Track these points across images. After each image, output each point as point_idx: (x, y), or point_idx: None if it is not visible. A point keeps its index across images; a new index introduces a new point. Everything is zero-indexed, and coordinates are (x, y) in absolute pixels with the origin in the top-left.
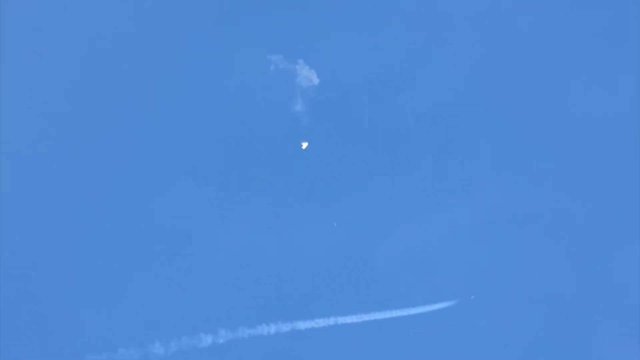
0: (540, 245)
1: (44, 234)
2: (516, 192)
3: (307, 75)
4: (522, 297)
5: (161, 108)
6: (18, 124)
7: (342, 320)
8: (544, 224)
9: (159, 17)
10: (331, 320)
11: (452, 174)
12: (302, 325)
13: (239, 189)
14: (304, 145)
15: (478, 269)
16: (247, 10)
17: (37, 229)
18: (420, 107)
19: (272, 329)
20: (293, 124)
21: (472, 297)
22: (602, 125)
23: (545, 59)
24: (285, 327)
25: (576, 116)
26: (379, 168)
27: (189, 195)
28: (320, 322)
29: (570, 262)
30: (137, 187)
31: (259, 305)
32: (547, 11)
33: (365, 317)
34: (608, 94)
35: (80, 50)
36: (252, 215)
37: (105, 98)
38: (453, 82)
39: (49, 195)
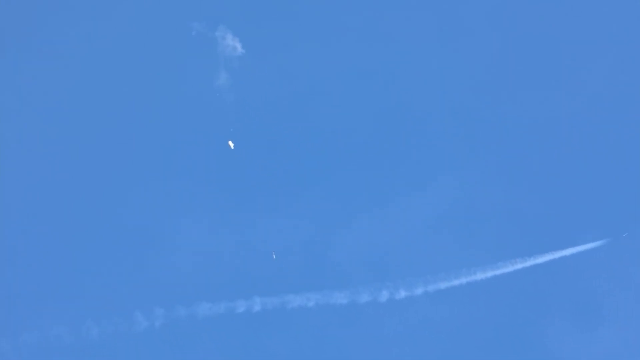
0: (494, 242)
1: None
2: (471, 187)
3: (231, 44)
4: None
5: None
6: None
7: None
8: (498, 221)
9: None
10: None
11: (405, 166)
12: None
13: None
14: (232, 144)
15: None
16: None
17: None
18: (366, 83)
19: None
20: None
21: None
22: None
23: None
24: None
25: (533, 112)
26: (311, 160)
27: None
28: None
29: (527, 252)
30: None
31: (210, 291)
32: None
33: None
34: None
35: None
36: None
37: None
38: (410, 66)
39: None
